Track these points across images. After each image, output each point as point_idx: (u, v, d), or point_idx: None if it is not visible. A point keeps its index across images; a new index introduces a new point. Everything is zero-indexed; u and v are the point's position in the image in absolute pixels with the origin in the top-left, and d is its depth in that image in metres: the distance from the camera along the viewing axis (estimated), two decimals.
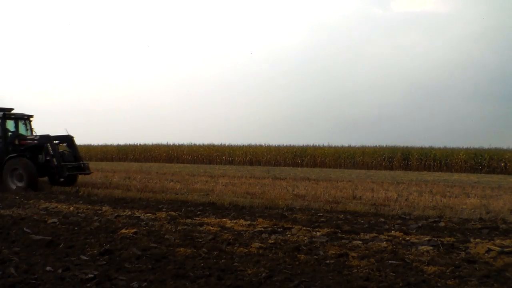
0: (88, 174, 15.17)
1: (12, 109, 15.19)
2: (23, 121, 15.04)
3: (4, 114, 14.40)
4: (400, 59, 53.31)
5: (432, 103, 50.56)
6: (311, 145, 35.05)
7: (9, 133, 14.58)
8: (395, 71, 52.77)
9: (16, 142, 14.30)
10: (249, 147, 35.94)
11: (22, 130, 14.94)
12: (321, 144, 34.87)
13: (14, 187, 13.31)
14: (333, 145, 34.32)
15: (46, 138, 14.05)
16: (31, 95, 62.19)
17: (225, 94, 56.68)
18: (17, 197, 11.44)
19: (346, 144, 34.60)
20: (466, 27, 51.79)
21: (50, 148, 13.81)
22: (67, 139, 14.79)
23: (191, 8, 61.18)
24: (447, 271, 5.07)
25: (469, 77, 51.43)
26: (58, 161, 13.69)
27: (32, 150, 14.15)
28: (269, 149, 34.84)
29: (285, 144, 35.77)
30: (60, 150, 14.70)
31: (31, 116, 15.31)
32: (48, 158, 13.94)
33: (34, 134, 14.86)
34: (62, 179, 13.91)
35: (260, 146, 36.24)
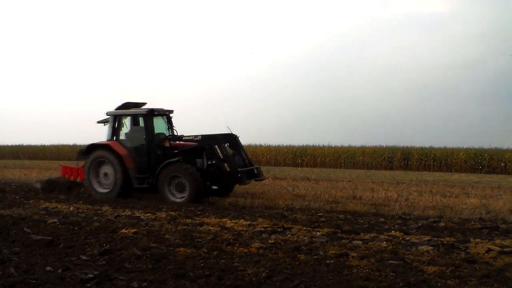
0: (263, 180, 12.52)
1: (144, 103, 12.67)
2: (164, 118, 12.40)
3: (151, 111, 11.73)
4: (400, 59, 53.20)
5: (432, 103, 50.45)
6: (311, 145, 34.97)
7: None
8: (395, 71, 52.68)
9: (167, 144, 11.85)
10: (249, 147, 35.87)
11: (162, 128, 12.28)
12: (321, 144, 34.79)
13: (174, 199, 10.98)
14: (333, 145, 34.23)
15: (212, 139, 11.45)
16: (27, 98, 62.24)
17: (225, 94, 56.67)
18: (17, 197, 11.45)
19: (346, 144, 34.49)
20: (466, 27, 51.70)
21: (218, 150, 11.21)
22: (231, 139, 11.88)
23: (192, 8, 61.18)
24: (447, 271, 5.07)
25: (469, 77, 51.32)
26: (233, 166, 11.03)
27: (188, 153, 11.53)
28: (269, 149, 34.78)
29: (285, 144, 35.73)
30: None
31: (171, 111, 12.55)
32: (210, 162, 11.49)
33: (175, 132, 12.33)
34: (215, 187, 11.53)
35: (260, 146, 36.19)
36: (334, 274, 5.01)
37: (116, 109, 12.30)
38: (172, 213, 8.96)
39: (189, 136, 11.74)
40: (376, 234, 6.97)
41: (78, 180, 13.12)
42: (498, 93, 47.15)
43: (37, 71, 63.86)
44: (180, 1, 60.41)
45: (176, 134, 12.23)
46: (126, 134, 12.16)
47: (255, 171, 11.76)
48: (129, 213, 8.95)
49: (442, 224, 8.22)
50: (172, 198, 10.99)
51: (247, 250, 5.95)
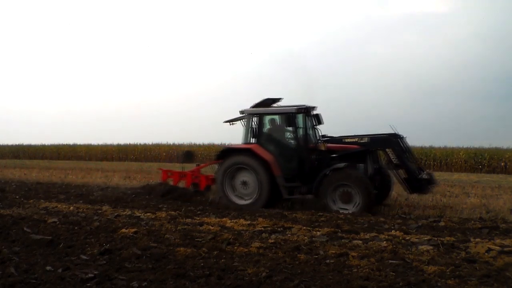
0: (436, 186, 11.12)
1: (281, 98, 10.98)
2: (310, 116, 10.46)
3: (305, 109, 10.19)
4: (400, 59, 53.25)
5: (432, 103, 50.50)
6: None
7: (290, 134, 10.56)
8: (395, 71, 52.72)
9: (323, 148, 10.24)
10: None
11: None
12: None
13: (336, 209, 9.45)
14: None
15: (382, 141, 10.10)
16: (27, 98, 62.24)
17: (225, 93, 56.69)
18: (17, 197, 11.44)
19: None
20: (466, 27, 51.73)
21: (391, 154, 9.93)
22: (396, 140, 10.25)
23: (193, 9, 61.19)
24: (447, 270, 5.07)
25: (469, 77, 51.41)
26: (411, 172, 9.84)
27: (349, 158, 9.97)
28: None
29: None
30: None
31: (314, 107, 10.65)
32: (375, 167, 10.26)
33: (319, 132, 10.55)
34: (376, 191, 9.80)
35: None
36: (334, 273, 5.01)
37: (253, 107, 10.67)
38: (172, 212, 8.96)
39: (351, 137, 10.42)
40: (376, 234, 6.98)
41: (196, 187, 11.52)
42: (498, 93, 47.22)
43: (37, 71, 63.89)
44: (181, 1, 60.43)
45: (320, 134, 10.59)
46: (267, 136, 10.63)
47: (426, 176, 10.22)
48: (129, 212, 8.94)
49: (442, 223, 8.23)
50: (335, 207, 9.50)
51: (247, 250, 5.95)
